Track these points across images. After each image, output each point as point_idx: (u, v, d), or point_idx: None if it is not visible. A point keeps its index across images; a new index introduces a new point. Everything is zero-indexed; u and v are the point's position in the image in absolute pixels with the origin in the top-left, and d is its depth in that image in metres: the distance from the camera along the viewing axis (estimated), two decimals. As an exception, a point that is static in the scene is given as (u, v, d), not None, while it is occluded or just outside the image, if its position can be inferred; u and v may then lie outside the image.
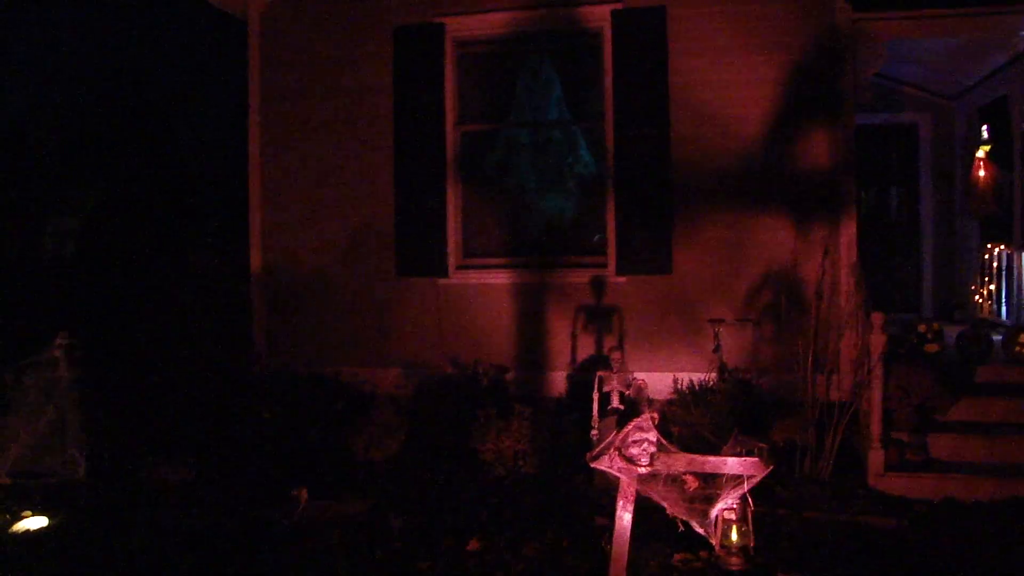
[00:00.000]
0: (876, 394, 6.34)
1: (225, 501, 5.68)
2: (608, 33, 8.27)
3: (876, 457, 6.30)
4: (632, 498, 4.43)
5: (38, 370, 6.54)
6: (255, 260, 9.12)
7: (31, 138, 30.33)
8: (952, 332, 7.89)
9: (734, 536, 4.76)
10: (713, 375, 7.42)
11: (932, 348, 7.50)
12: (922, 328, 7.62)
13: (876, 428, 6.32)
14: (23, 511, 5.54)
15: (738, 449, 4.61)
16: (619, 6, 8.21)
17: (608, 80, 8.29)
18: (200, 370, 8.54)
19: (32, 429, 6.38)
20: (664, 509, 4.70)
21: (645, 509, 4.88)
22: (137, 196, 27.95)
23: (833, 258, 7.43)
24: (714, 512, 4.70)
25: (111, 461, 6.42)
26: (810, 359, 6.57)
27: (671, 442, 4.62)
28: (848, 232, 7.77)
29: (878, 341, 6.31)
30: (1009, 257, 9.43)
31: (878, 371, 6.32)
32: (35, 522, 5.35)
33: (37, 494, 5.93)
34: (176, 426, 6.94)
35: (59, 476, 6.21)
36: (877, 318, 6.35)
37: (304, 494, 5.27)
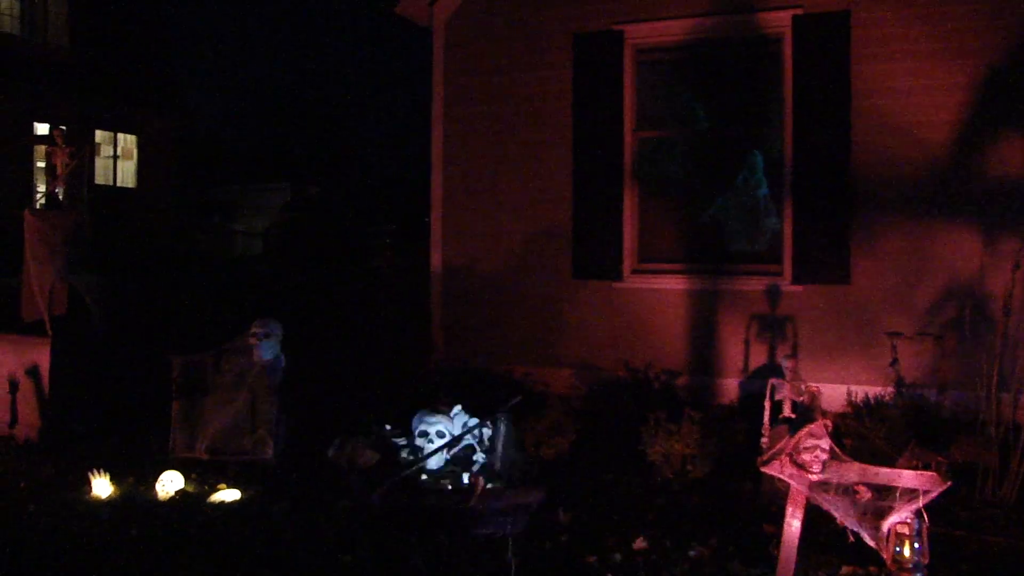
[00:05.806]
0: (1068, 416, 6.03)
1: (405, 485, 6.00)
2: (788, 39, 8.20)
3: (1067, 483, 5.99)
4: (802, 505, 4.41)
5: (234, 356, 6.97)
6: (435, 260, 9.49)
7: (226, 142, 32.39)
8: None
9: (907, 552, 4.63)
10: (889, 389, 7.25)
11: None
12: (1123, 349, 7.15)
13: (1067, 452, 6.00)
14: (219, 484, 6.02)
15: (914, 462, 4.52)
16: (800, 11, 8.12)
17: (787, 86, 8.22)
18: (382, 362, 9.00)
19: (228, 410, 6.83)
20: (833, 519, 4.64)
21: (813, 519, 4.85)
22: (322, 198, 29.43)
23: (1024, 271, 7.10)
24: (886, 525, 4.60)
25: (299, 443, 6.86)
26: (995, 377, 6.28)
27: (844, 454, 4.57)
28: (1042, 244, 7.40)
29: (1071, 360, 6.01)
30: None
31: (1071, 391, 6.02)
32: (229, 495, 5.80)
33: (231, 470, 6.38)
34: (360, 412, 7.34)
35: (250, 455, 6.64)
36: (1071, 336, 6.04)
37: (481, 481, 5.48)
